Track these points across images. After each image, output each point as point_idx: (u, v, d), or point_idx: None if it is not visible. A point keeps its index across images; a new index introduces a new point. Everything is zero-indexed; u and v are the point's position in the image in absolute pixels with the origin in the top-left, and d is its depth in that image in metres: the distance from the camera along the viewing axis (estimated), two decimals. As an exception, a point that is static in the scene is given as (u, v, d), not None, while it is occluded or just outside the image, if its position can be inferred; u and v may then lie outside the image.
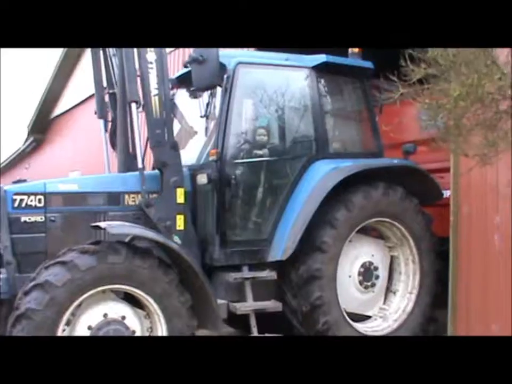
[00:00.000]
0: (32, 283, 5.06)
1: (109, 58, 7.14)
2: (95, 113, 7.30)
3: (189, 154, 6.77)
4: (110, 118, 7.17)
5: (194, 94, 6.79)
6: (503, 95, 4.64)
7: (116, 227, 5.46)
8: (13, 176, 22.97)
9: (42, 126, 22.40)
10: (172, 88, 7.34)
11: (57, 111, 21.20)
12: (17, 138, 25.33)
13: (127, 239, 5.81)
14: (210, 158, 6.07)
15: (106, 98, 7.23)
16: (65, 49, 17.81)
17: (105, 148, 7.19)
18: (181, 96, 7.24)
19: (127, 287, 5.34)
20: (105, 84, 7.19)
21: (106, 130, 7.21)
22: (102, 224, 5.44)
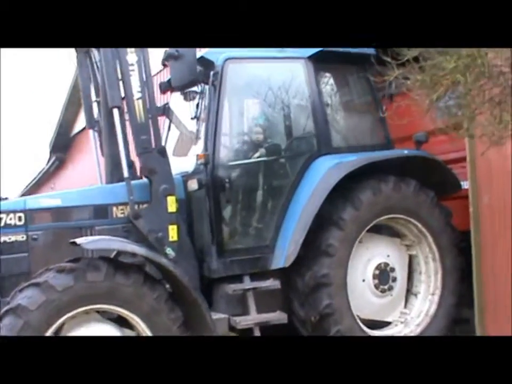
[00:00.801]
0: (5, 308, 4.70)
1: (94, 65, 6.74)
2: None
3: (189, 161, 6.35)
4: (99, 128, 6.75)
5: (188, 97, 6.36)
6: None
7: (92, 242, 5.08)
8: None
9: (64, 144, 22.25)
10: (165, 92, 7.00)
11: (77, 128, 21.04)
12: (40, 158, 25.05)
13: (112, 255, 5.41)
14: (199, 162, 5.65)
15: (95, 107, 6.83)
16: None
17: (96, 159, 6.79)
18: (176, 100, 6.82)
19: (110, 307, 4.96)
20: (93, 92, 6.80)
21: (97, 141, 6.80)
22: (79, 240, 5.03)
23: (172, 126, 7.09)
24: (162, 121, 7.62)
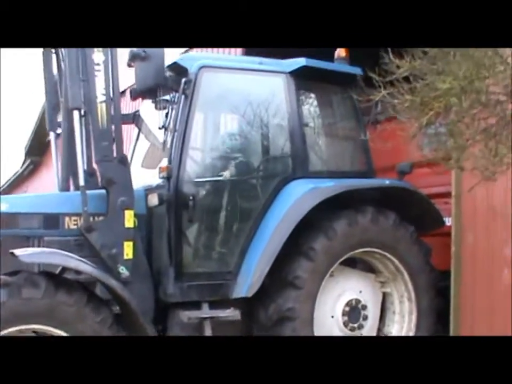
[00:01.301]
0: None
1: (61, 62, 6.27)
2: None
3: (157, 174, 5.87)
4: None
5: (159, 105, 5.89)
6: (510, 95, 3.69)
7: (31, 254, 4.61)
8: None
9: (39, 148, 21.68)
10: (135, 99, 6.55)
11: (53, 132, 20.49)
12: (15, 161, 24.48)
13: (57, 270, 4.92)
14: (161, 175, 5.18)
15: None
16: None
17: (55, 165, 6.28)
18: (146, 108, 6.36)
19: (48, 328, 4.52)
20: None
21: (58, 145, 6.32)
22: (17, 251, 4.55)
23: (141, 135, 6.63)
24: (130, 130, 7.20)
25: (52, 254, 4.81)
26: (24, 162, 23.68)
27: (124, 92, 6.64)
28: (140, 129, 6.59)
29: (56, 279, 4.66)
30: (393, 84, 4.08)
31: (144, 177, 5.92)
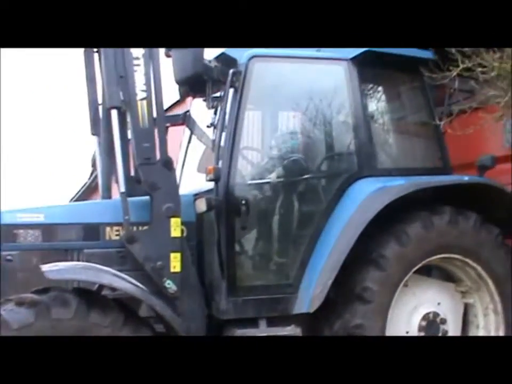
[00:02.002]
0: None
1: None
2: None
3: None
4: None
5: (211, 103, 5.38)
6: None
7: (58, 270, 4.16)
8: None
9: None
10: (184, 97, 6.08)
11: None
12: (83, 173, 24.53)
13: (95, 287, 4.48)
14: (208, 177, 4.65)
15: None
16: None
17: (100, 170, 5.85)
18: (198, 108, 5.89)
19: None
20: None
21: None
22: (45, 266, 4.13)
23: (194, 137, 6.14)
24: (182, 131, 6.72)
25: (83, 269, 4.37)
26: (92, 174, 23.72)
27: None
28: (191, 131, 6.10)
29: (90, 297, 4.23)
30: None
31: (199, 182, 5.44)
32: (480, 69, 3.32)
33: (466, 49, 3.57)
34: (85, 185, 24.96)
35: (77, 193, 26.28)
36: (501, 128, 6.09)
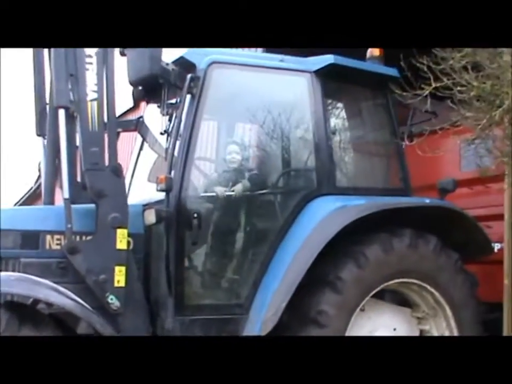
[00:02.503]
0: None
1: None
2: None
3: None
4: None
5: (165, 110, 5.09)
6: None
7: None
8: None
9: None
10: (138, 101, 5.78)
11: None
12: (29, 177, 23.85)
13: (29, 301, 4.14)
14: (158, 187, 4.36)
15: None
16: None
17: (44, 174, 5.50)
18: (152, 114, 5.59)
19: None
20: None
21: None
22: None
23: (146, 145, 5.85)
24: (134, 137, 6.44)
25: (16, 281, 4.01)
26: (38, 178, 23.07)
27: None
28: (144, 138, 5.81)
29: (23, 312, 3.90)
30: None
31: (150, 192, 5.15)
32: (458, 88, 3.15)
33: (443, 66, 3.39)
34: (30, 190, 24.27)
35: (21, 199, 25.54)
36: (460, 151, 6.01)
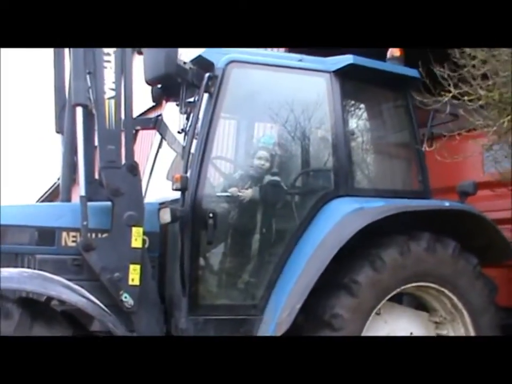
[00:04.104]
0: None
1: None
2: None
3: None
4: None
5: (184, 108, 5.07)
6: None
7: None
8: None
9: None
10: (158, 100, 5.77)
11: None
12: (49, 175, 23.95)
13: (43, 298, 4.16)
14: (174, 186, 4.33)
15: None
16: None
17: (62, 171, 5.51)
18: (171, 112, 5.57)
19: None
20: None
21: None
22: None
23: (165, 143, 5.83)
24: (152, 135, 6.42)
25: (29, 278, 4.00)
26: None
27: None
28: (162, 136, 5.79)
29: (36, 309, 3.88)
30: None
31: (167, 191, 5.14)
32: (466, 98, 3.10)
33: (453, 76, 3.36)
34: (53, 186, 24.38)
35: (43, 195, 25.69)
36: (482, 153, 5.91)
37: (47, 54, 5.65)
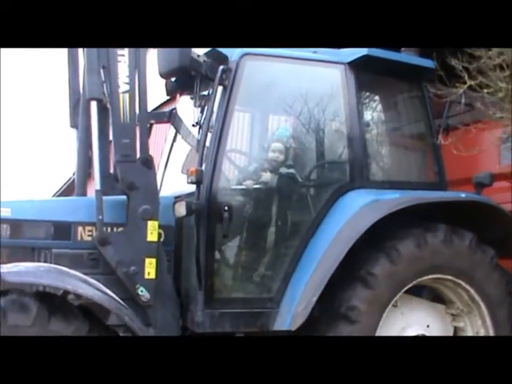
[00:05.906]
0: None
1: None
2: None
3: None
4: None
5: (198, 102, 5.07)
6: None
7: (17, 272, 3.82)
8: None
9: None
10: (172, 93, 5.77)
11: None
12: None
13: (60, 292, 4.17)
14: (189, 179, 4.32)
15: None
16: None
17: (77, 166, 5.52)
18: (186, 105, 5.57)
19: None
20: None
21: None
22: (4, 266, 3.89)
23: (179, 137, 5.83)
24: (167, 129, 6.42)
25: (45, 272, 4.02)
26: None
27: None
28: (177, 130, 5.79)
29: (53, 303, 3.90)
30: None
31: (182, 184, 5.15)
32: (486, 90, 3.05)
33: (471, 67, 3.32)
34: (68, 180, 24.44)
35: (60, 189, 25.77)
36: (498, 144, 5.86)
37: (59, 50, 5.65)
